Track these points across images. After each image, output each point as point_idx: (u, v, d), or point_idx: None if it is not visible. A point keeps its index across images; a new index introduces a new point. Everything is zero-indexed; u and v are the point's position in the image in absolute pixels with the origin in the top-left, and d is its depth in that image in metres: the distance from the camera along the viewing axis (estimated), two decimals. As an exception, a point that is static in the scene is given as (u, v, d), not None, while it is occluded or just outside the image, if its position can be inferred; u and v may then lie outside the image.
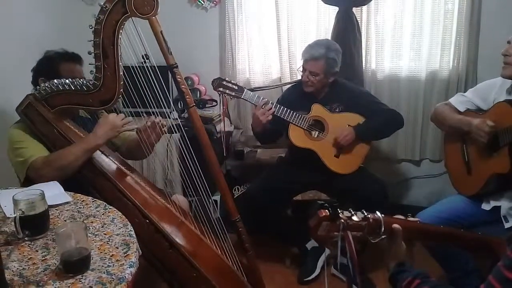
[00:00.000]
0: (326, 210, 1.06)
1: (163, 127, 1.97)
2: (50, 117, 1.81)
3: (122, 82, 1.74)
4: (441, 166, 2.69)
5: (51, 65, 1.91)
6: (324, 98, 2.49)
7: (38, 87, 1.82)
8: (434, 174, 3.00)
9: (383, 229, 1.11)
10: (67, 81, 1.78)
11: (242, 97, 2.40)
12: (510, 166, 1.75)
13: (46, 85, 1.80)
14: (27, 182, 1.78)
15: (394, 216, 1.19)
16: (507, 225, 1.83)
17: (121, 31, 1.69)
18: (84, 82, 1.76)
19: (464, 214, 1.93)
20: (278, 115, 2.38)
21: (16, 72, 2.49)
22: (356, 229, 1.08)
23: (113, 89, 1.74)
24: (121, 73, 1.73)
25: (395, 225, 1.14)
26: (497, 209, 1.87)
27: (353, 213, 1.09)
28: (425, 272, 1.11)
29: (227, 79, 2.43)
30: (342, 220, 1.06)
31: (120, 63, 1.72)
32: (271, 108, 2.35)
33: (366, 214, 1.10)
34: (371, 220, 1.10)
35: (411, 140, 2.97)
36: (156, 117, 1.96)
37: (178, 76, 1.78)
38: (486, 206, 1.91)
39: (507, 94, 1.90)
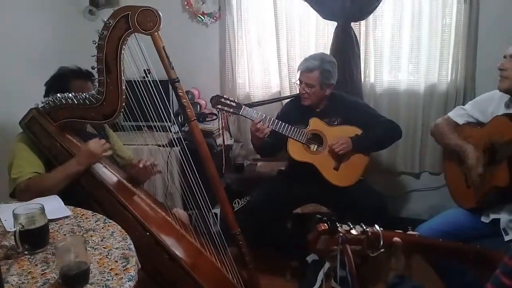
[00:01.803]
0: (325, 224, 1.06)
1: (154, 168, 2.01)
2: (53, 131, 1.83)
3: (124, 96, 1.76)
4: (440, 179, 2.69)
5: (63, 81, 1.94)
6: (323, 111, 2.51)
7: (41, 101, 1.84)
8: (434, 187, 3.00)
9: (382, 242, 1.11)
10: (70, 95, 1.80)
11: (240, 113, 2.42)
12: (509, 179, 1.75)
13: (50, 99, 1.82)
14: (13, 197, 1.81)
15: (394, 231, 1.19)
16: (507, 238, 1.82)
17: (124, 46, 1.71)
18: (87, 96, 1.79)
19: (464, 227, 1.93)
20: (277, 130, 2.39)
21: (20, 86, 2.52)
22: (355, 243, 1.08)
23: (115, 103, 1.76)
24: (124, 87, 1.75)
25: (396, 238, 1.14)
26: (496, 221, 1.87)
27: (351, 226, 1.09)
28: (421, 286, 1.11)
29: (225, 96, 2.45)
30: (341, 234, 1.06)
31: (123, 78, 1.74)
32: (265, 124, 2.36)
33: (365, 227, 1.11)
34: (370, 233, 1.10)
35: (411, 153, 2.98)
36: (146, 161, 2.01)
37: (180, 91, 1.80)
38: (485, 219, 1.91)
39: (506, 107, 1.91)
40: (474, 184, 1.90)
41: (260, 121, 2.36)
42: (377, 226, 1.13)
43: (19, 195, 1.76)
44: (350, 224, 1.10)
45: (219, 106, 2.43)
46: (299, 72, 2.48)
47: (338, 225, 1.07)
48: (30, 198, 1.63)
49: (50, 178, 1.77)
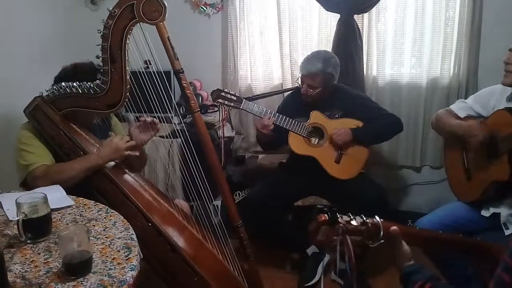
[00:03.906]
0: (325, 215, 1.07)
1: (155, 125, 1.98)
2: (57, 119, 1.83)
3: (128, 86, 1.76)
4: (441, 173, 2.69)
5: (77, 77, 1.86)
6: (324, 104, 2.50)
7: (46, 89, 1.84)
8: (435, 181, 3.00)
9: (382, 233, 1.12)
10: (74, 84, 1.80)
11: (241, 107, 2.43)
12: (510, 173, 1.76)
13: (54, 87, 1.82)
14: (23, 185, 1.82)
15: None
16: (507, 232, 1.82)
17: (128, 36, 1.71)
18: (91, 85, 1.78)
19: (464, 221, 1.93)
20: (277, 123, 2.40)
21: (23, 75, 2.53)
22: (355, 233, 1.09)
23: (119, 93, 1.76)
24: (128, 77, 1.75)
25: (393, 227, 1.15)
26: (496, 216, 1.87)
27: (352, 217, 1.10)
28: (436, 275, 1.12)
29: (225, 90, 2.46)
30: (341, 225, 1.07)
31: (127, 68, 1.74)
32: (270, 118, 2.38)
33: (365, 218, 1.11)
34: (370, 224, 1.11)
35: (412, 146, 2.98)
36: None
37: (184, 82, 1.80)
38: (485, 213, 1.91)
39: (507, 101, 1.90)
40: (473, 147, 1.90)
41: (268, 118, 2.37)
42: (377, 217, 1.14)
43: (33, 182, 1.75)
44: (350, 215, 1.11)
45: (220, 100, 2.44)
46: (301, 73, 2.47)
47: (338, 216, 1.08)
48: (45, 186, 1.64)
49: (70, 169, 1.76)
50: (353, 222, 1.09)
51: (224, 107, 2.52)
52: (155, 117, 1.98)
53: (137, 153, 1.92)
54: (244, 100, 2.44)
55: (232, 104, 2.44)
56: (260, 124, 2.40)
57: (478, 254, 1.27)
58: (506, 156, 1.78)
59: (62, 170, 1.76)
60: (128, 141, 1.89)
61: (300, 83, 2.49)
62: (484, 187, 1.88)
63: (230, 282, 1.87)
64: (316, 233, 1.08)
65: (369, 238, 1.11)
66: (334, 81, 2.45)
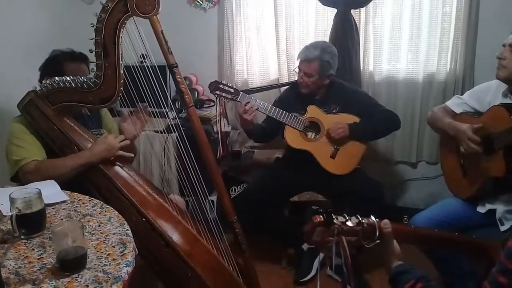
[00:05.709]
0: (320, 216, 1.06)
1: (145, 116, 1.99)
2: (51, 114, 1.82)
3: (122, 81, 1.75)
4: (437, 168, 2.70)
5: (56, 64, 1.93)
6: (321, 99, 2.50)
7: (39, 84, 1.83)
8: (431, 176, 3.00)
9: (377, 233, 1.11)
10: (68, 78, 1.78)
11: (238, 99, 2.42)
12: (505, 169, 1.76)
13: (48, 82, 1.81)
14: (14, 180, 1.81)
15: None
16: (502, 228, 1.83)
17: (122, 30, 1.69)
18: (85, 80, 1.77)
19: (460, 217, 1.93)
20: (274, 116, 2.40)
21: (17, 70, 2.50)
22: (350, 234, 1.09)
23: (113, 88, 1.75)
24: (122, 71, 1.74)
25: (384, 220, 1.14)
26: (492, 212, 1.88)
27: (347, 218, 1.09)
28: (426, 275, 1.11)
29: (223, 82, 2.45)
30: (336, 226, 1.06)
31: (121, 62, 1.73)
32: (251, 105, 2.37)
33: (360, 219, 1.11)
34: (365, 225, 1.10)
35: (408, 142, 2.98)
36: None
37: (178, 76, 1.78)
38: (481, 209, 1.92)
39: (503, 97, 1.91)
40: (469, 151, 1.89)
41: (248, 103, 2.36)
42: (372, 217, 1.14)
43: (24, 177, 1.75)
44: (345, 215, 1.10)
45: (217, 92, 2.44)
46: (298, 60, 2.47)
47: (333, 217, 1.08)
48: (37, 181, 1.63)
49: (62, 165, 1.76)
50: (349, 223, 1.08)
51: (221, 100, 2.51)
52: (152, 112, 1.97)
53: (132, 155, 1.92)
54: (241, 92, 2.44)
55: (229, 97, 2.43)
56: (243, 109, 2.37)
57: (474, 251, 1.27)
58: (501, 152, 1.78)
59: (53, 166, 1.76)
60: (122, 140, 1.88)
61: (297, 72, 2.49)
62: (480, 183, 1.89)
63: (225, 277, 1.86)
64: (311, 234, 1.07)
65: (364, 239, 1.11)
66: (331, 71, 2.45)
